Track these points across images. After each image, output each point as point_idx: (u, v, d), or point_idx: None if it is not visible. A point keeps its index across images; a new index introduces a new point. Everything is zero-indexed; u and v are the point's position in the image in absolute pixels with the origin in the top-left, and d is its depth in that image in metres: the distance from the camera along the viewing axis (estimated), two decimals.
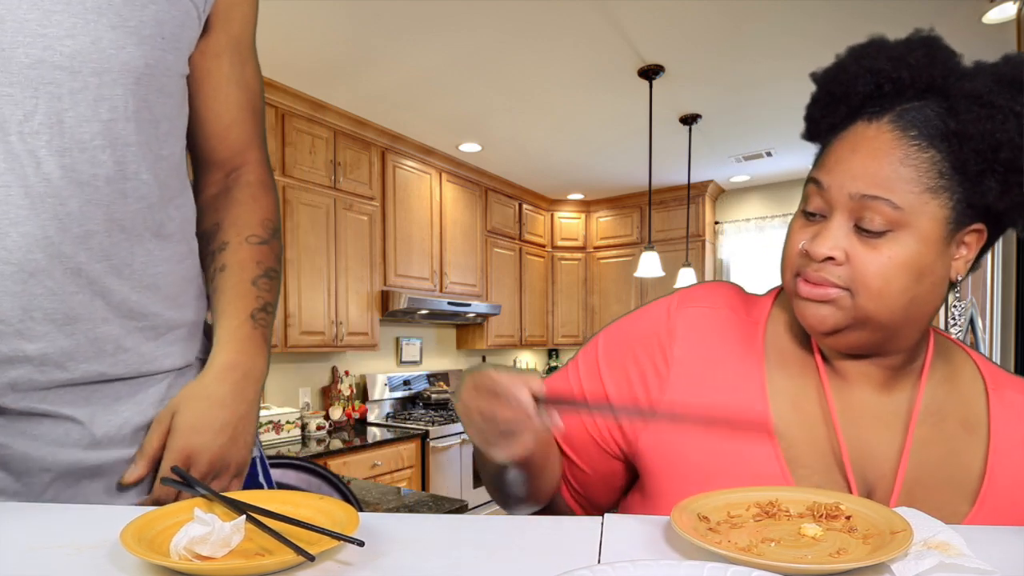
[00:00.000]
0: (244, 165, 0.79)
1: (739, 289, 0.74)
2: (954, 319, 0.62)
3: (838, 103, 0.62)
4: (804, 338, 0.68)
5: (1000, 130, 0.54)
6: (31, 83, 0.55)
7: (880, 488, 0.63)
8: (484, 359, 5.09)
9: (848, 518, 0.51)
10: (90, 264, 0.60)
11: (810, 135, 0.68)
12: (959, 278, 0.60)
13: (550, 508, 0.78)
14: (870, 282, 0.57)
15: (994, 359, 2.12)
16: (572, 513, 0.78)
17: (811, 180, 0.62)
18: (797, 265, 0.62)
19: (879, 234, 0.57)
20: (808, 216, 0.62)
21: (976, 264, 0.63)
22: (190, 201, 0.74)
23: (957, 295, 0.62)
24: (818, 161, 0.63)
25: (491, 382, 0.59)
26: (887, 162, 0.56)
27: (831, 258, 0.58)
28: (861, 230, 0.57)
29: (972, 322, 1.98)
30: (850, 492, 0.61)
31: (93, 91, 0.58)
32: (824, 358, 0.66)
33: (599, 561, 0.46)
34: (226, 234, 0.76)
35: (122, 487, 0.64)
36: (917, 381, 0.66)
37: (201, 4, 0.67)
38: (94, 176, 0.59)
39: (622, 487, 0.76)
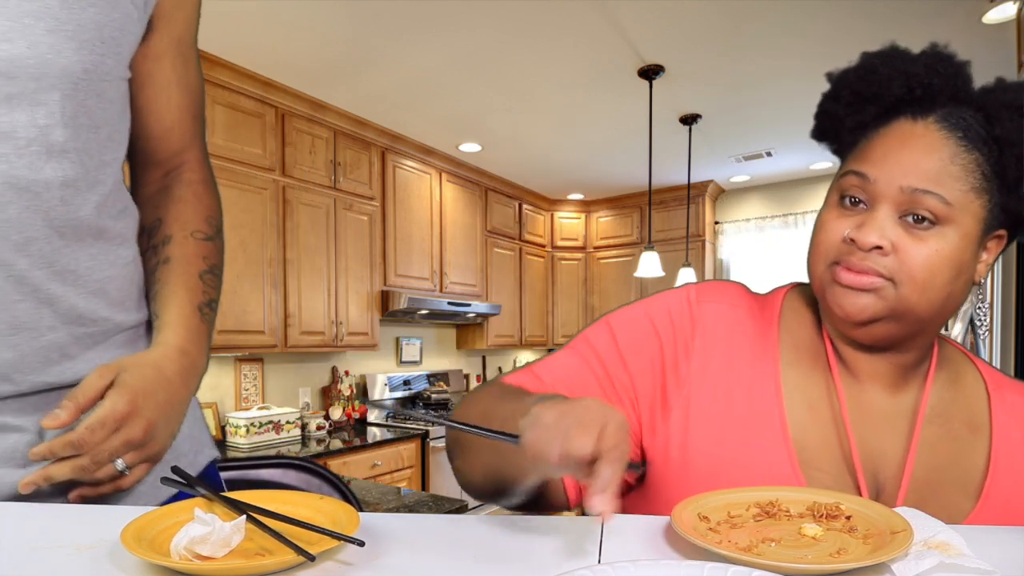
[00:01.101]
0: (184, 164, 0.78)
1: (748, 289, 0.75)
2: (980, 320, 0.64)
3: (866, 103, 0.63)
4: (817, 335, 0.69)
5: None
6: None
7: (887, 489, 0.63)
8: (484, 359, 5.09)
9: (848, 518, 0.51)
10: (32, 271, 0.59)
11: (823, 133, 0.68)
12: (981, 280, 0.62)
13: (542, 497, 0.71)
14: (916, 273, 0.57)
15: (994, 359, 2.12)
16: (565, 499, 0.71)
17: (852, 172, 0.61)
18: (836, 254, 0.61)
19: (926, 227, 0.58)
20: (846, 208, 0.62)
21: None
22: (132, 203, 0.73)
23: (980, 296, 0.64)
24: (856, 154, 0.63)
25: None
26: (937, 159, 0.57)
27: (879, 248, 0.58)
28: (908, 223, 0.58)
29: (972, 322, 1.98)
30: (860, 494, 0.61)
31: (29, 96, 0.56)
32: (837, 354, 0.66)
33: (599, 561, 0.46)
34: (169, 228, 0.74)
35: (43, 431, 0.60)
36: (923, 382, 0.66)
37: (142, 5, 0.65)
38: (32, 182, 0.58)
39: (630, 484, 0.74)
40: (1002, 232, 0.61)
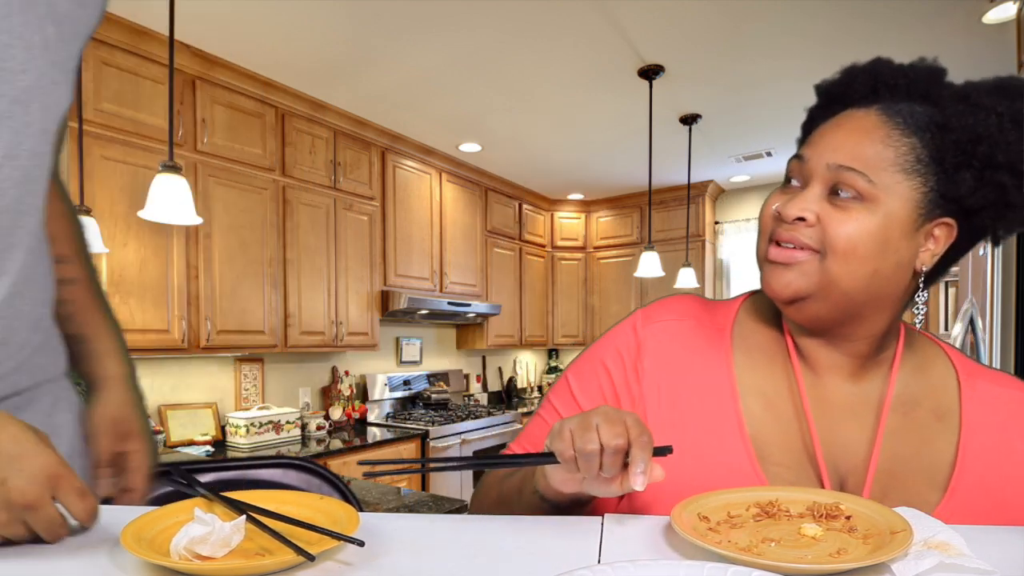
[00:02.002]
0: None
1: (700, 299, 0.76)
2: (917, 308, 0.64)
3: (835, 102, 0.65)
4: (776, 332, 0.70)
5: (981, 125, 0.57)
6: None
7: (852, 479, 0.63)
8: (484, 359, 5.09)
9: (848, 518, 0.51)
10: (18, 287, 0.60)
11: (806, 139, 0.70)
12: (924, 268, 0.62)
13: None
14: (838, 244, 0.59)
15: (994, 359, 2.12)
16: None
17: (794, 156, 0.65)
18: (770, 230, 0.64)
19: (850, 201, 0.59)
20: (786, 189, 0.65)
21: (945, 269, 0.65)
22: None
23: (921, 282, 0.64)
24: (804, 142, 0.66)
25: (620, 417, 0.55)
26: (868, 141, 0.60)
27: (803, 219, 0.61)
28: (834, 198, 0.60)
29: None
30: (822, 485, 0.62)
31: (38, 125, 0.58)
32: (798, 349, 0.67)
33: (599, 561, 0.47)
34: (61, 246, 0.75)
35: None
36: (888, 371, 0.67)
37: (86, 34, 0.67)
38: (33, 207, 0.60)
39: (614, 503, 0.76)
40: (948, 221, 0.61)
